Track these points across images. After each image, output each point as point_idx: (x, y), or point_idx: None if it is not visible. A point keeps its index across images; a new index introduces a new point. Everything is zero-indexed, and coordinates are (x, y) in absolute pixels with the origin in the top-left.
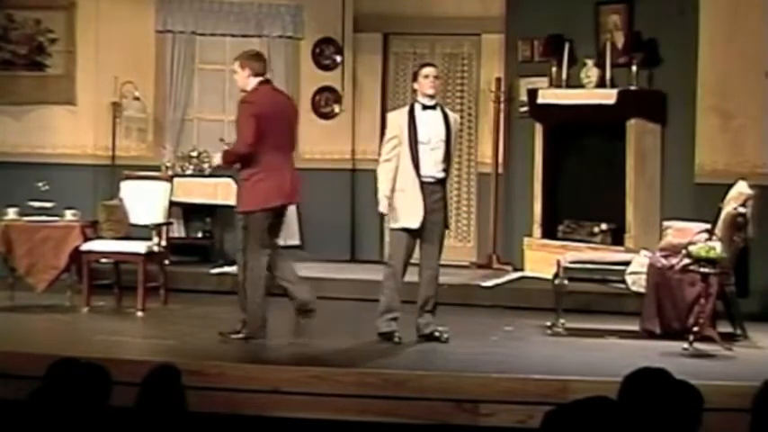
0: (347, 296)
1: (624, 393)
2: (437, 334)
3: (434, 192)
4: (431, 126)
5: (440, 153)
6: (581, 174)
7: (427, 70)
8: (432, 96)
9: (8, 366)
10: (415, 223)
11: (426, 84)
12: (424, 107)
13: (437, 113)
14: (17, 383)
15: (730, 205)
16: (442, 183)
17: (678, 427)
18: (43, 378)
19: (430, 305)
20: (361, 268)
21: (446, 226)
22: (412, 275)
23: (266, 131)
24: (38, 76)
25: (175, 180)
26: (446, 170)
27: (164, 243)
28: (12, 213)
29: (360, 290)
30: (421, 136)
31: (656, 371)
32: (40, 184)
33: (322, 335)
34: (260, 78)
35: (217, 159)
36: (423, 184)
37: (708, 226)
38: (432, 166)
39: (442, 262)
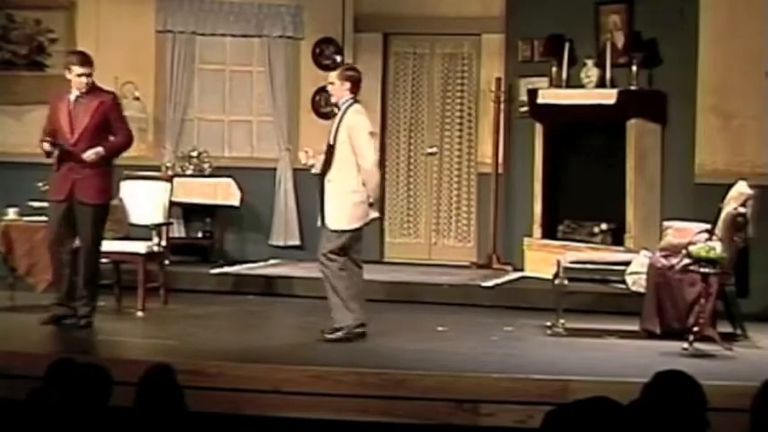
0: None
1: (650, 390)
2: None
3: None
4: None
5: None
6: (581, 174)
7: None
8: (334, 102)
9: (8, 366)
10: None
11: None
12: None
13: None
14: (17, 383)
15: (730, 205)
16: None
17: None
18: (43, 378)
19: None
20: None
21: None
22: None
23: None
24: (38, 76)
25: (175, 180)
26: None
27: (164, 243)
28: (12, 213)
29: None
30: None
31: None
32: (40, 184)
33: (322, 335)
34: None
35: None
36: None
37: (708, 226)
38: None
39: (441, 261)
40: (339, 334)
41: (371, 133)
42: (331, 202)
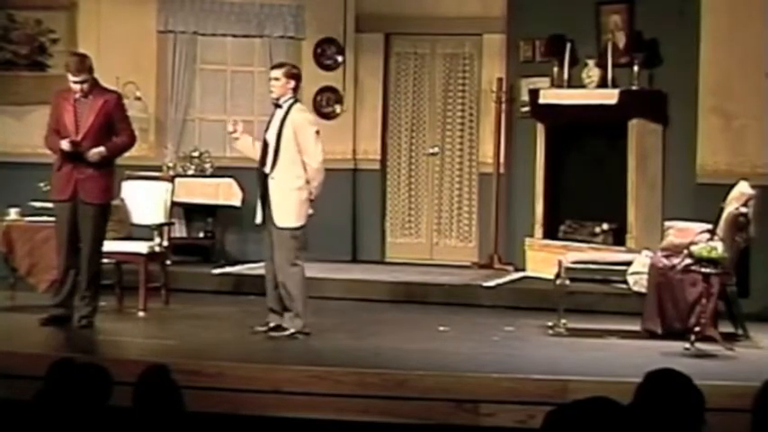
0: (348, 296)
1: (642, 391)
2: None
3: None
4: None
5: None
6: (582, 174)
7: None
8: (275, 98)
9: (9, 366)
10: None
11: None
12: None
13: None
14: (18, 383)
15: (732, 205)
16: None
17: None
18: (44, 378)
19: None
20: (361, 268)
21: None
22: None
23: None
24: (39, 77)
25: (177, 180)
26: None
27: (165, 243)
28: (13, 214)
29: (360, 290)
30: None
31: (678, 373)
32: (42, 185)
33: (322, 335)
34: None
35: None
36: None
37: (709, 226)
38: None
39: (443, 261)
40: (283, 333)
41: (317, 132)
42: (277, 199)
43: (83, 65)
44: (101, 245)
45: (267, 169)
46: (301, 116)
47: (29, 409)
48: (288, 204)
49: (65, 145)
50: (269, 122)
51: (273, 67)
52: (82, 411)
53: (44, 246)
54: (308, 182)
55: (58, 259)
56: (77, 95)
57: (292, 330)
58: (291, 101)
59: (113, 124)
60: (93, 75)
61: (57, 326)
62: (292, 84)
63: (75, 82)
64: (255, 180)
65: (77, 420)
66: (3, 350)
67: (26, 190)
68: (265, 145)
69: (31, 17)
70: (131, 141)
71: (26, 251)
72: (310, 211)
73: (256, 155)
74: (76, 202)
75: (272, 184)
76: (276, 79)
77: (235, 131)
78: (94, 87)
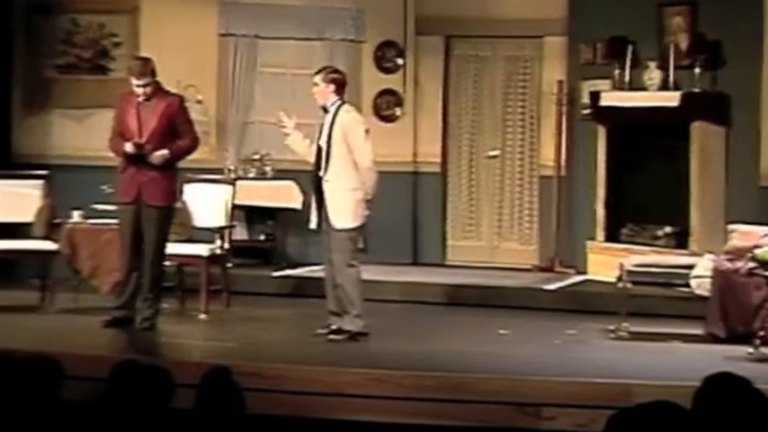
0: (407, 299)
1: (701, 396)
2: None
3: None
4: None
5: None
6: (644, 176)
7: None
8: (321, 103)
9: (72, 368)
10: None
11: None
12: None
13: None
14: (82, 385)
15: None
16: None
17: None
18: (107, 380)
19: None
20: (421, 271)
21: None
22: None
23: None
24: (101, 80)
25: (238, 183)
26: None
27: (226, 246)
28: (76, 216)
29: (420, 293)
30: None
31: (738, 378)
32: (104, 187)
33: (381, 337)
34: None
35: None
36: None
37: None
38: None
39: (503, 264)
40: (342, 336)
41: (367, 131)
42: (332, 201)
43: (146, 68)
44: (164, 247)
45: (321, 172)
46: (348, 117)
47: (92, 411)
48: (343, 206)
49: (128, 147)
50: (321, 128)
51: (315, 73)
52: (144, 413)
53: (107, 248)
54: (362, 182)
55: (121, 261)
56: (140, 99)
57: (352, 330)
58: (338, 103)
59: (176, 127)
60: (155, 78)
61: (119, 328)
62: (332, 87)
63: (139, 85)
64: (311, 184)
65: (140, 422)
66: (66, 352)
67: (89, 193)
68: (319, 150)
69: (93, 21)
70: (194, 144)
71: (89, 253)
72: (366, 212)
73: (308, 154)
74: (140, 205)
75: (326, 186)
76: (316, 85)
77: (286, 129)
78: (157, 90)
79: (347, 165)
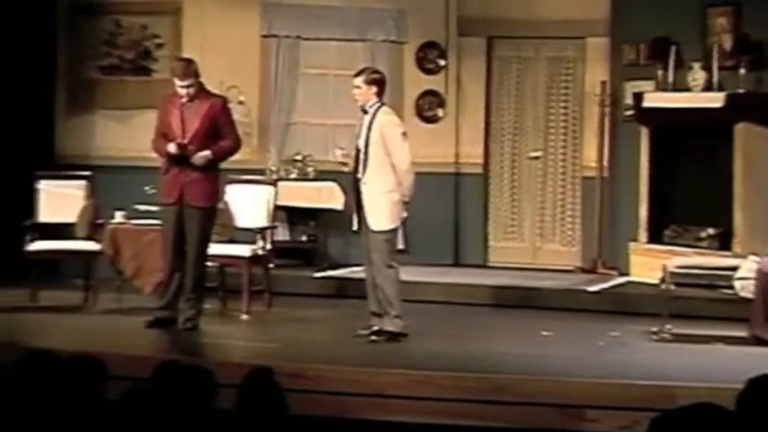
0: (449, 300)
1: (745, 398)
2: None
3: None
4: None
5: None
6: (687, 178)
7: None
8: (361, 105)
9: (115, 368)
10: None
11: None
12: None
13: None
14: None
15: None
16: None
17: None
18: (150, 380)
19: None
20: (463, 272)
21: None
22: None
23: None
24: (144, 81)
25: (280, 184)
26: None
27: (268, 246)
28: (119, 217)
29: (462, 294)
30: None
31: None
32: (147, 188)
33: (422, 338)
34: None
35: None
36: None
37: None
38: None
39: (546, 266)
40: (382, 337)
41: (404, 133)
42: (370, 203)
43: (189, 69)
44: (206, 248)
45: (359, 174)
46: (386, 119)
47: (135, 411)
48: (380, 207)
49: (172, 148)
50: (359, 129)
51: (355, 75)
52: (187, 413)
53: (150, 248)
54: (399, 184)
55: (163, 262)
56: (184, 100)
57: (392, 331)
58: (377, 105)
59: (219, 128)
60: (198, 79)
61: (162, 328)
62: (374, 89)
63: (182, 86)
64: (349, 185)
65: (182, 422)
66: (109, 352)
67: (131, 193)
68: (357, 151)
69: (136, 22)
70: (237, 145)
71: (132, 254)
72: (404, 214)
73: None
74: (183, 206)
75: (364, 188)
76: (357, 87)
77: (341, 160)
78: (200, 92)
79: (384, 167)
